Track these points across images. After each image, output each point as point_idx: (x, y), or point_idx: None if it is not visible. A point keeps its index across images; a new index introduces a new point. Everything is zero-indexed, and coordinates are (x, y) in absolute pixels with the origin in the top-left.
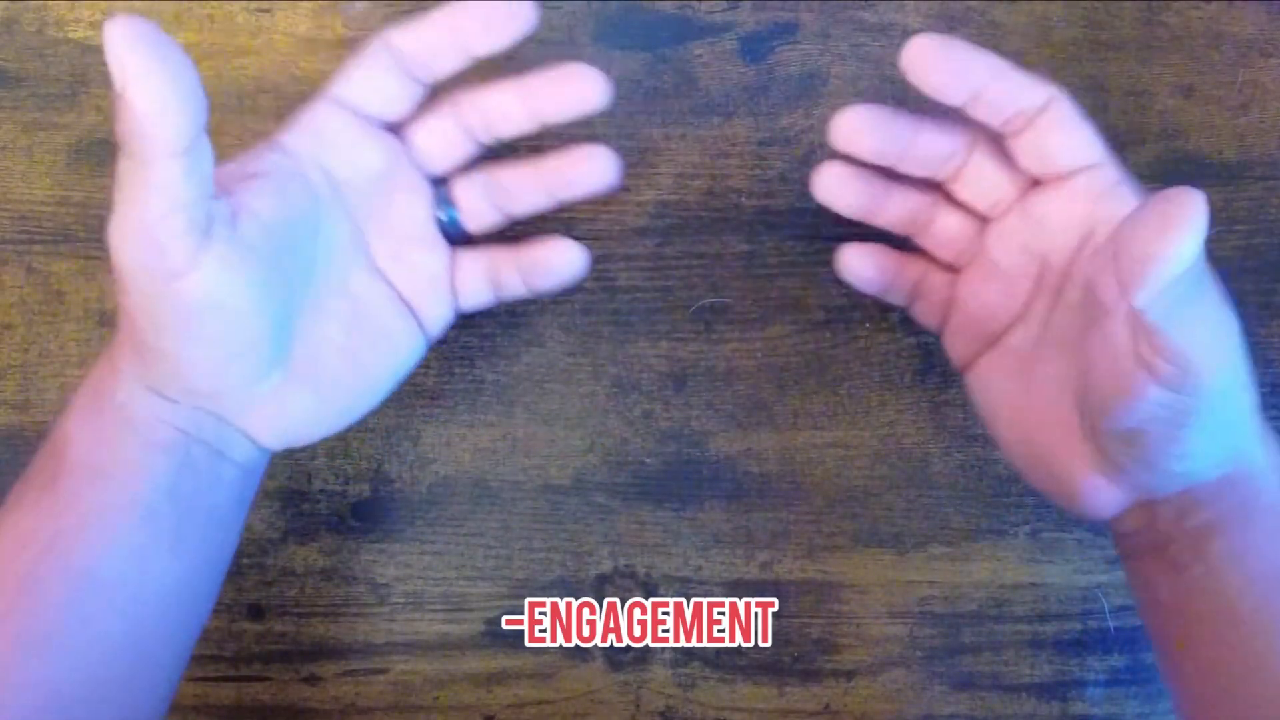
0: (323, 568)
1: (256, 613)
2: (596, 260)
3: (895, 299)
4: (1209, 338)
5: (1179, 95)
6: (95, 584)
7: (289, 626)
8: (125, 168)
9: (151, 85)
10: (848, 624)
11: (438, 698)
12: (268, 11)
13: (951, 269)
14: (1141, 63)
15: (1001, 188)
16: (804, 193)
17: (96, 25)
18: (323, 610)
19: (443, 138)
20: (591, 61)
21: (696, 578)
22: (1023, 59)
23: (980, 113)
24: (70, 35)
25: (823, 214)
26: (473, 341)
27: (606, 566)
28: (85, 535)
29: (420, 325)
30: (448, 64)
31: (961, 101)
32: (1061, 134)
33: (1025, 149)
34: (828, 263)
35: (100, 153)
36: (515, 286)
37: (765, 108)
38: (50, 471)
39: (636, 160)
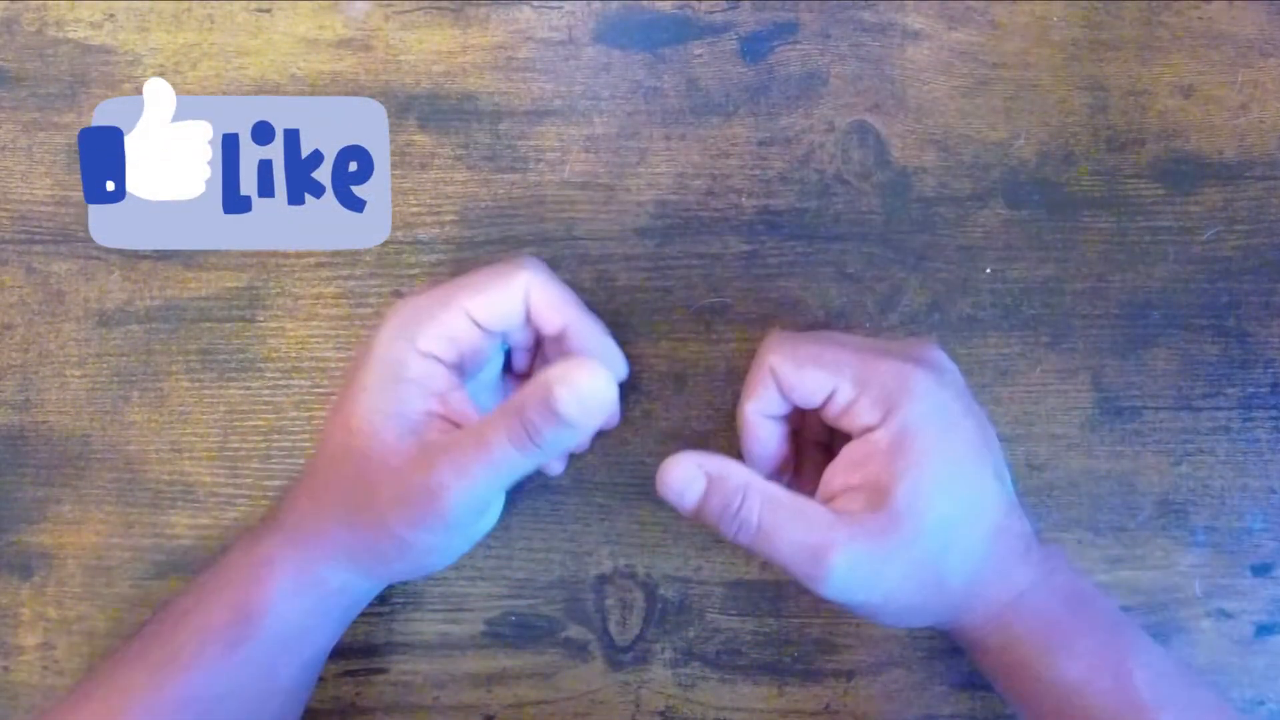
0: None
1: None
2: (596, 260)
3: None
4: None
5: (1179, 95)
6: None
7: None
8: (509, 445)
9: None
10: (848, 624)
11: (438, 698)
12: (268, 11)
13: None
14: (1141, 63)
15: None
16: (804, 192)
17: (96, 25)
18: None
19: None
20: (591, 61)
21: (696, 578)
22: (1023, 59)
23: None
24: (70, 35)
25: (823, 214)
26: None
27: (606, 566)
28: (258, 697)
29: None
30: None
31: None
32: (787, 392)
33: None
34: (828, 263)
35: None
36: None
37: (765, 108)
38: (237, 634)
39: (636, 160)
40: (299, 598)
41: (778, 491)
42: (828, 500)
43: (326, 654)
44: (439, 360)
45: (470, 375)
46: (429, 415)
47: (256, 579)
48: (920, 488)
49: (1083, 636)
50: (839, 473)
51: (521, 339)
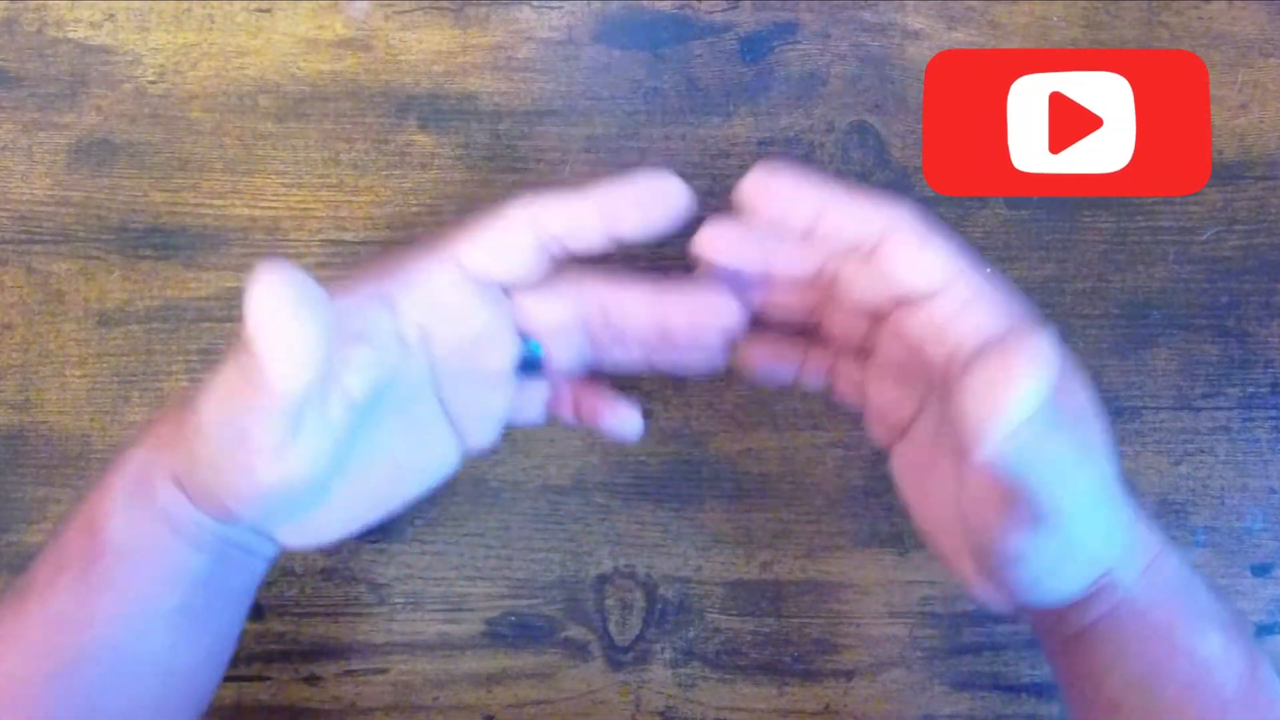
0: (323, 568)
1: (257, 612)
2: (596, 260)
3: (810, 386)
4: (1064, 473)
5: None
6: (128, 663)
7: (289, 626)
8: (239, 370)
9: (283, 344)
10: (848, 624)
11: (438, 698)
12: (268, 11)
13: (863, 354)
14: None
15: (877, 295)
16: None
17: (96, 25)
18: (323, 610)
19: (550, 307)
20: (591, 61)
21: (696, 578)
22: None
23: (822, 241)
24: (70, 35)
25: None
26: None
27: (606, 566)
28: (121, 620)
29: (462, 445)
30: (589, 244)
31: (801, 230)
32: (901, 262)
33: (872, 273)
34: None
35: (100, 153)
36: (568, 417)
37: (765, 108)
38: (87, 553)
39: (636, 160)
40: (133, 506)
41: None
42: None
43: (206, 592)
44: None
45: (447, 353)
46: None
47: (102, 489)
48: (1079, 391)
49: (1222, 609)
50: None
51: (553, 311)
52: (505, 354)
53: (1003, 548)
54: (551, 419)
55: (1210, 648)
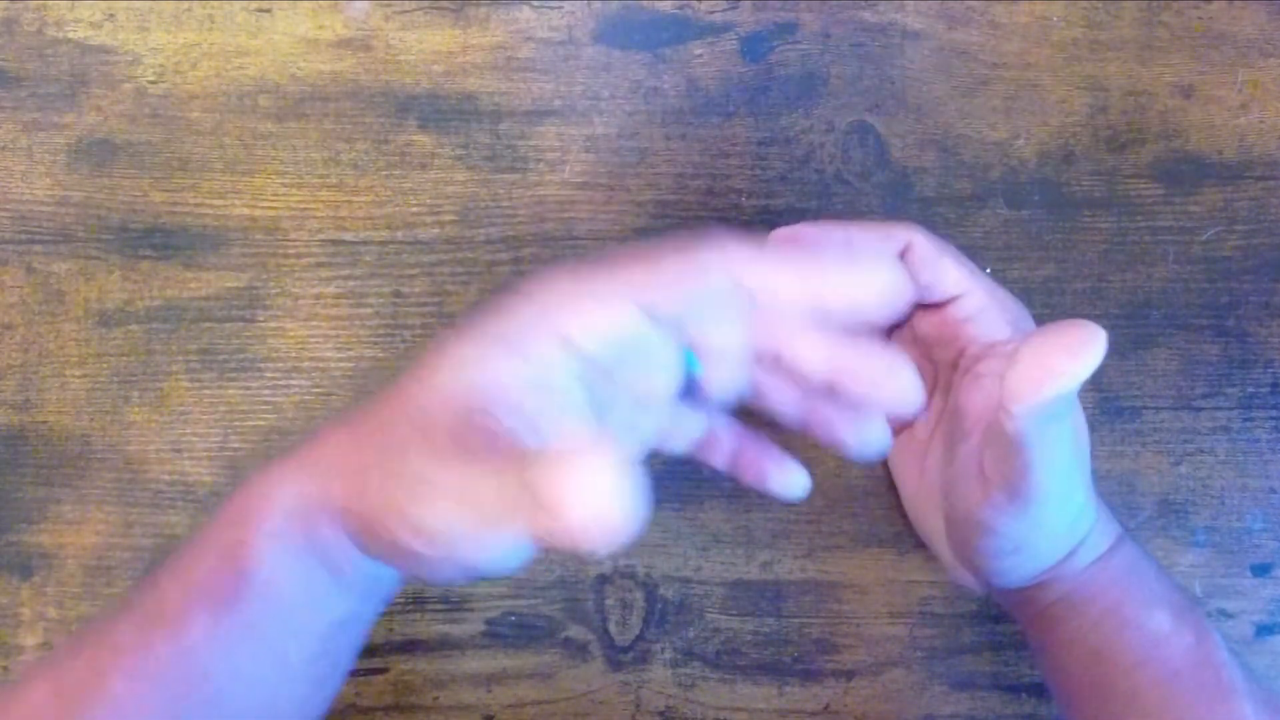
0: None
1: None
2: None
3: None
4: (1056, 458)
5: (1179, 95)
6: (257, 711)
7: None
8: (503, 501)
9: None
10: (848, 624)
11: (438, 698)
12: (268, 11)
13: None
14: (1141, 63)
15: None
16: (804, 192)
17: (97, 25)
18: None
19: (726, 330)
20: (591, 61)
21: (696, 578)
22: (1023, 59)
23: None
24: (70, 35)
25: (823, 214)
26: None
27: (606, 566)
28: (258, 668)
29: None
30: (782, 304)
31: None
32: (921, 274)
33: None
34: None
35: (100, 153)
36: (718, 465)
37: (765, 108)
38: (229, 590)
39: (636, 160)
40: (291, 543)
41: None
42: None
43: (345, 633)
44: (580, 356)
45: (621, 386)
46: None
47: (249, 518)
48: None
49: (1170, 590)
50: (980, 400)
51: (726, 341)
52: (666, 378)
53: (979, 520)
54: (697, 460)
55: (1158, 625)
